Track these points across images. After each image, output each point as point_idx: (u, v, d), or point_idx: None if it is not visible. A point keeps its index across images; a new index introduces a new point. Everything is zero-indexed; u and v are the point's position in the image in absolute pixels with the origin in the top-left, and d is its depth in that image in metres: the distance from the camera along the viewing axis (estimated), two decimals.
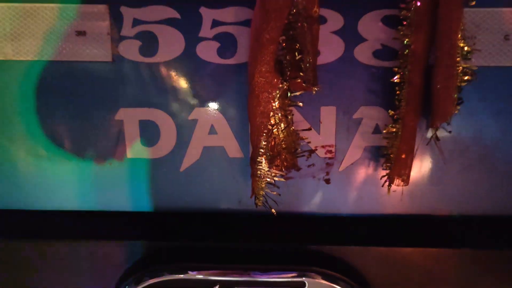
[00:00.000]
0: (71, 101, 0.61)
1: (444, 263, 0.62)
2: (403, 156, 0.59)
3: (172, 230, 0.64)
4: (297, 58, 0.55)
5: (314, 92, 0.56)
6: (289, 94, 0.57)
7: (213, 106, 0.61)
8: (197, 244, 0.62)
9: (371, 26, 0.58)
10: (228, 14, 0.59)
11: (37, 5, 0.59)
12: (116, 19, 0.59)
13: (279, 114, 0.57)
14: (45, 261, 0.63)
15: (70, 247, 0.63)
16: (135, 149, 0.63)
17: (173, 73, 0.60)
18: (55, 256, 0.63)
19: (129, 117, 0.61)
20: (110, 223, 0.65)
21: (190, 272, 0.59)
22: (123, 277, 0.63)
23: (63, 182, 0.64)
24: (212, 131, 0.62)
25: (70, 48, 0.60)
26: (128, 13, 0.59)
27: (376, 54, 0.59)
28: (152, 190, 0.64)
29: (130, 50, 0.60)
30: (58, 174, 0.64)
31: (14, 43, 0.60)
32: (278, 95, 0.56)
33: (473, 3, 0.56)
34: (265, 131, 0.56)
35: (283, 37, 0.54)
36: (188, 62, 0.60)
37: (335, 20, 0.58)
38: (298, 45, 0.55)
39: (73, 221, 0.65)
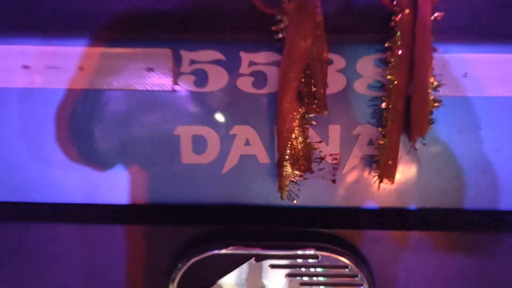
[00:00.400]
0: (140, 120, 0.82)
1: (425, 245, 0.82)
2: (390, 162, 0.79)
3: (215, 217, 0.84)
4: (313, 90, 0.76)
5: (324, 114, 0.77)
6: (306, 116, 0.78)
7: (248, 124, 0.81)
8: (234, 228, 0.83)
9: (366, 66, 0.79)
10: (261, 57, 0.79)
11: (122, 50, 0.79)
12: (177, 59, 0.80)
13: (299, 130, 0.78)
14: (108, 244, 0.83)
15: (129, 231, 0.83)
16: (188, 157, 0.83)
17: (218, 100, 0.81)
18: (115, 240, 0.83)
19: (184, 133, 0.82)
20: (167, 212, 0.85)
21: (231, 247, 0.80)
22: (175, 257, 0.83)
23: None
24: (247, 143, 0.82)
25: (141, 80, 0.80)
26: (186, 55, 0.79)
27: (370, 87, 0.79)
28: (201, 187, 0.84)
29: (187, 82, 0.80)
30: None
31: (99, 76, 0.80)
32: (298, 117, 0.76)
33: (440, 50, 0.77)
34: (289, 143, 0.77)
35: (303, 75, 0.75)
36: (230, 92, 0.80)
37: (339, 61, 0.79)
38: (313, 80, 0.76)
39: (142, 211, 0.85)
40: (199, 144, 0.82)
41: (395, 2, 0.74)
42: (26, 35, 0.80)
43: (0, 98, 0.81)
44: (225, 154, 0.82)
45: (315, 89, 0.75)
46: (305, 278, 0.81)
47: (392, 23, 0.74)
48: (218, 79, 0.80)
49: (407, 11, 0.73)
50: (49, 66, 0.79)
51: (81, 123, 0.81)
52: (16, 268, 0.85)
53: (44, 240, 0.84)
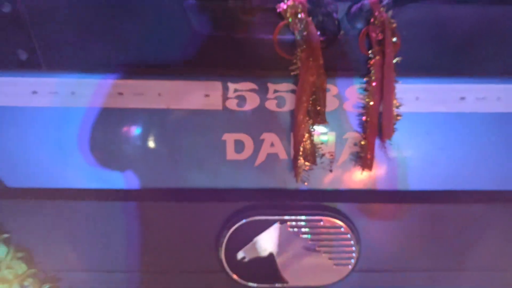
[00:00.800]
0: (199, 129, 1.19)
1: (394, 215, 1.21)
2: (368, 156, 1.18)
3: (250, 196, 1.22)
4: (317, 109, 1.14)
5: (324, 125, 1.15)
6: (312, 126, 1.16)
7: (273, 132, 1.19)
8: (263, 203, 1.21)
9: (352, 93, 1.18)
10: (282, 86, 1.18)
11: (189, 82, 1.17)
12: (225, 89, 1.17)
13: (307, 136, 1.16)
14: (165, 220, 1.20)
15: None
16: (231, 155, 1.20)
17: (252, 115, 1.19)
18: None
19: (229, 138, 1.19)
20: (216, 193, 1.23)
21: (262, 215, 1.18)
22: (222, 226, 1.21)
23: None
24: (272, 145, 1.20)
25: (200, 102, 1.18)
26: (231, 86, 1.17)
27: (354, 106, 1.18)
28: (240, 176, 1.22)
29: (231, 104, 1.18)
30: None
31: (175, 99, 1.18)
32: (307, 127, 1.15)
33: (400, 82, 1.16)
34: (302, 144, 1.15)
35: (310, 99, 1.13)
36: (260, 110, 1.18)
37: (334, 89, 1.18)
38: (317, 102, 1.14)
39: (198, 193, 1.22)
40: (238, 146, 1.20)
41: (370, 52, 1.13)
42: (118, 71, 1.17)
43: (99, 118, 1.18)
44: (257, 152, 1.20)
45: (318, 108, 1.14)
46: (312, 236, 1.19)
47: (369, 65, 1.14)
48: (252, 101, 1.18)
49: (378, 57, 1.13)
50: (138, 93, 1.16)
51: (161, 133, 1.19)
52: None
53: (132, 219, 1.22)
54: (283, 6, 1.10)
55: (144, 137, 1.18)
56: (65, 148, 1.19)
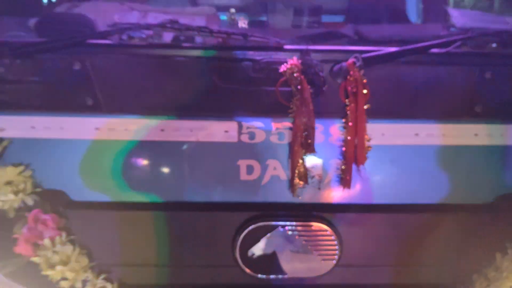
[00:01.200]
0: (219, 157, 1.58)
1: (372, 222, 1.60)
2: (347, 177, 1.57)
3: (257, 207, 1.60)
4: (308, 142, 1.54)
5: (314, 153, 1.55)
6: (305, 154, 1.55)
7: (276, 159, 1.58)
8: (267, 212, 1.59)
9: (335, 130, 1.58)
10: (282, 124, 1.57)
11: (209, 121, 1.57)
12: (240, 126, 1.57)
13: (301, 162, 1.55)
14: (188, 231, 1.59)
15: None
16: (244, 176, 1.59)
17: (260, 147, 1.58)
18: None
19: (242, 163, 1.58)
20: (230, 206, 1.61)
21: (267, 222, 1.56)
22: (236, 231, 1.59)
23: None
24: (275, 168, 1.58)
25: (221, 136, 1.57)
26: (245, 124, 1.57)
27: (336, 140, 1.58)
28: (250, 192, 1.60)
29: (244, 138, 1.57)
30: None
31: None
32: (301, 155, 1.54)
33: (369, 122, 1.56)
34: (297, 167, 1.54)
35: (303, 134, 1.53)
36: (266, 142, 1.57)
37: (320, 127, 1.58)
38: (309, 137, 1.54)
39: (216, 206, 1.60)
40: (249, 169, 1.59)
41: (347, 100, 1.54)
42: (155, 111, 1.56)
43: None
44: (263, 174, 1.59)
45: (309, 141, 1.54)
46: (305, 238, 1.58)
47: (346, 110, 1.54)
48: (260, 136, 1.57)
49: (353, 104, 1.53)
50: (175, 129, 1.56)
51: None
52: None
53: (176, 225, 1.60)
54: (283, 67, 1.51)
55: (178, 162, 1.58)
56: (116, 170, 1.57)
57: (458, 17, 1.73)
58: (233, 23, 1.96)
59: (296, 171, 1.55)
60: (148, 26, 1.60)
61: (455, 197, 1.61)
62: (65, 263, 1.47)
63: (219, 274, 1.64)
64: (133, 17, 1.82)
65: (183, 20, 1.64)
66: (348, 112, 1.53)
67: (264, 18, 1.99)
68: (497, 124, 1.59)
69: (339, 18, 3.20)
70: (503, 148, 1.61)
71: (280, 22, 1.90)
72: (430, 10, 2.94)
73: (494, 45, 1.68)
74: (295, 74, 1.51)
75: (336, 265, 1.60)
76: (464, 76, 1.60)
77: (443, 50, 1.58)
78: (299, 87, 1.51)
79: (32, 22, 1.74)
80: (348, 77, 1.51)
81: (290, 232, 1.58)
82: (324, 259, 1.59)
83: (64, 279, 1.50)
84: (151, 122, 1.56)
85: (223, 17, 2.69)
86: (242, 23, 1.93)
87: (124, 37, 1.60)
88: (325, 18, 2.99)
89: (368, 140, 1.55)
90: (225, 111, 1.57)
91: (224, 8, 2.22)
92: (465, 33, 1.67)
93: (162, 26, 1.59)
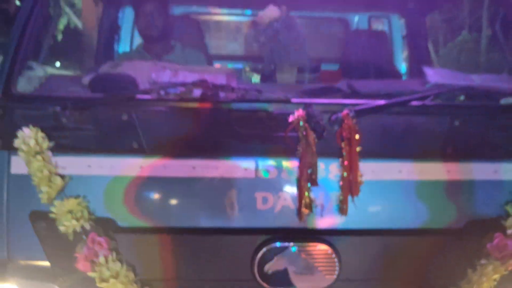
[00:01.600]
0: (243, 192, 1.94)
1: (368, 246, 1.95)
2: (345, 206, 1.93)
3: (271, 231, 1.95)
4: (313, 177, 1.90)
5: (317, 186, 1.91)
6: (310, 186, 1.92)
7: (285, 191, 1.95)
8: (279, 235, 1.94)
9: (333, 168, 1.95)
10: (291, 163, 1.95)
11: (231, 160, 1.94)
12: (257, 165, 1.94)
13: (307, 193, 1.91)
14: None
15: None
16: (259, 205, 1.95)
17: (274, 181, 1.95)
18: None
19: (259, 195, 1.95)
20: (246, 230, 1.96)
21: (280, 243, 1.91)
22: (256, 249, 1.93)
23: None
24: (285, 199, 1.95)
25: (241, 173, 1.94)
26: (261, 163, 1.94)
27: (334, 176, 1.95)
28: (265, 218, 1.95)
29: (260, 174, 1.94)
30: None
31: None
32: (307, 187, 1.91)
33: (362, 161, 1.93)
34: (303, 198, 1.90)
35: (308, 171, 1.90)
36: (278, 177, 1.94)
37: (322, 166, 1.95)
38: (313, 173, 1.91)
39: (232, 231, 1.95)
40: (264, 200, 1.94)
41: (343, 143, 1.91)
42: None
43: None
44: (276, 204, 1.95)
45: (313, 176, 1.90)
46: (310, 256, 1.92)
47: (342, 151, 1.91)
48: (273, 173, 1.94)
49: (347, 147, 1.91)
50: (205, 167, 1.92)
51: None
52: None
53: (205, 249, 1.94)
54: (292, 118, 1.89)
55: (207, 194, 1.94)
56: (155, 201, 1.93)
57: (432, 75, 2.12)
58: (248, 79, 2.36)
59: (303, 201, 1.91)
60: (182, 84, 2.00)
61: (432, 223, 1.96)
62: (115, 277, 1.81)
63: (240, 287, 1.97)
64: (166, 75, 2.20)
65: (208, 77, 2.04)
66: (344, 153, 1.90)
67: (272, 75, 2.39)
68: (465, 163, 1.97)
69: (335, 67, 3.66)
70: (470, 183, 1.98)
71: (287, 78, 2.30)
72: (413, 67, 3.41)
73: (462, 98, 2.08)
74: (301, 123, 1.89)
75: (336, 279, 1.93)
76: (437, 124, 1.98)
77: (420, 103, 1.97)
78: (304, 133, 1.88)
79: (85, 80, 2.14)
80: (344, 125, 1.89)
81: (298, 252, 1.92)
82: (326, 274, 1.92)
83: None
84: (184, 162, 1.93)
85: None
86: (255, 78, 2.33)
87: (162, 92, 1.99)
88: (324, 66, 3.45)
89: (361, 176, 1.91)
90: (245, 152, 1.94)
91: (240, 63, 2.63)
92: (438, 88, 2.06)
93: (194, 84, 1.99)
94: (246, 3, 3.85)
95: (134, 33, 3.88)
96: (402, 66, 3.94)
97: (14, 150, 1.90)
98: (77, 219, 1.81)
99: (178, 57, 3.19)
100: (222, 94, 2.03)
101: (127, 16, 3.91)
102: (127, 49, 3.92)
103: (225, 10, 4.30)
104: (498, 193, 1.98)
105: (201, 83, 1.99)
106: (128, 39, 3.98)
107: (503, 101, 2.08)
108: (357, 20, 4.44)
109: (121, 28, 3.90)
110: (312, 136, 1.88)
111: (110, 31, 3.76)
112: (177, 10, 3.92)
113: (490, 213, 1.97)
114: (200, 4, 4.08)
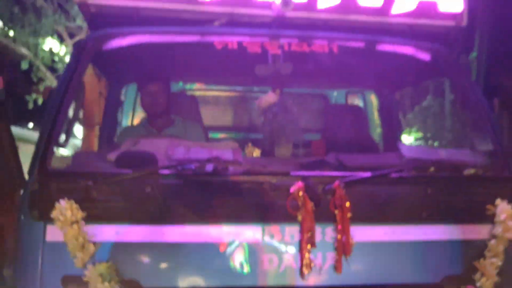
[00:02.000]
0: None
1: None
2: (339, 265, 2.24)
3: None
4: (312, 239, 2.22)
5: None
6: (309, 249, 2.23)
7: (287, 253, 2.25)
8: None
9: (329, 231, 2.28)
10: (293, 229, 2.27)
11: (239, 226, 2.25)
12: (263, 230, 2.25)
13: (307, 255, 2.22)
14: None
15: None
16: (267, 267, 2.24)
17: (278, 246, 2.25)
18: None
19: (265, 257, 2.24)
20: None
21: None
22: None
23: None
24: (288, 260, 2.25)
25: (249, 239, 2.24)
26: (266, 228, 2.26)
27: (330, 238, 2.28)
28: (271, 279, 2.24)
29: (267, 239, 2.25)
30: None
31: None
32: (307, 250, 2.22)
33: (352, 226, 2.27)
34: (304, 260, 2.21)
35: (308, 234, 2.22)
36: (282, 241, 2.25)
37: (318, 229, 2.28)
38: (311, 236, 2.23)
39: None
40: (270, 261, 2.23)
41: (335, 210, 2.25)
42: None
43: None
44: (280, 264, 2.23)
45: (312, 239, 2.22)
46: None
47: (335, 217, 2.25)
48: (277, 236, 2.25)
49: (339, 213, 2.25)
50: (221, 232, 2.22)
51: None
52: None
53: None
54: (292, 189, 2.24)
55: (221, 256, 2.22)
56: (174, 263, 2.20)
57: (406, 151, 2.54)
58: (251, 154, 2.73)
59: (304, 262, 2.21)
60: (196, 161, 2.33)
61: (414, 278, 2.29)
62: None
63: None
64: (180, 151, 2.54)
65: (217, 153, 2.39)
66: (337, 219, 2.24)
67: (271, 150, 2.77)
68: (439, 225, 2.33)
69: (317, 137, 4.10)
70: (445, 243, 2.34)
71: (284, 152, 2.67)
72: (387, 137, 3.89)
73: (432, 169, 2.48)
74: (300, 193, 2.23)
75: None
76: (413, 192, 2.37)
77: (398, 175, 2.36)
78: (303, 202, 2.22)
79: (111, 156, 2.45)
80: (336, 194, 2.24)
81: None
82: None
83: None
84: (198, 229, 2.23)
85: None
86: (256, 153, 2.70)
87: (180, 168, 2.31)
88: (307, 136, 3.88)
89: (352, 238, 2.24)
90: (252, 219, 2.26)
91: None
92: (414, 162, 2.46)
93: (208, 161, 2.33)
94: (236, 81, 4.33)
95: (136, 107, 4.26)
96: (377, 136, 4.41)
97: (49, 220, 2.16)
98: (109, 281, 2.06)
99: (179, 129, 3.55)
100: (231, 168, 2.37)
101: (129, 92, 4.31)
102: (129, 122, 4.28)
103: (217, 87, 4.77)
104: (468, 250, 2.33)
105: (214, 160, 2.33)
106: (130, 113, 4.35)
107: (466, 172, 2.50)
108: (335, 95, 4.97)
109: (124, 102, 4.29)
110: (310, 204, 2.22)
111: (115, 105, 4.13)
112: (175, 88, 4.35)
113: (462, 269, 2.31)
114: (195, 82, 4.54)
